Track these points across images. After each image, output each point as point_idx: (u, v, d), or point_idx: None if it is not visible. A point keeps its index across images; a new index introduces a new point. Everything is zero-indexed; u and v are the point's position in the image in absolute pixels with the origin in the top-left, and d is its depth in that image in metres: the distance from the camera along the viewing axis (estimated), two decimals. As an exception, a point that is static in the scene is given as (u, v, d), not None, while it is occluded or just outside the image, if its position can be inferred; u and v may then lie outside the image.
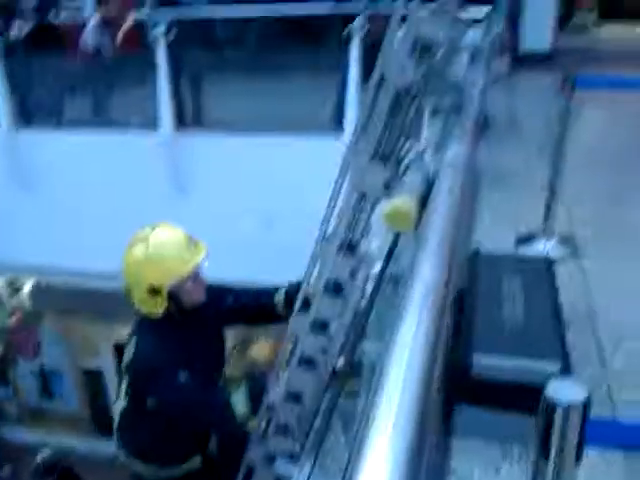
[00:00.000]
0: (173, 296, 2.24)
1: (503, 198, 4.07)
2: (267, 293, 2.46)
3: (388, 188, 1.40)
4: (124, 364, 2.38)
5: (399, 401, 0.53)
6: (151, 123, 5.53)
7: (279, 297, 2.39)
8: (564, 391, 1.02)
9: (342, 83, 5.34)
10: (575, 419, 1.01)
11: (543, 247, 3.40)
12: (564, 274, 3.06)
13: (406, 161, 1.16)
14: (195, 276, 2.27)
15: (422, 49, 1.43)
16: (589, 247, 3.40)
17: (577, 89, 3.10)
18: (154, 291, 2.21)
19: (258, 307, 2.50)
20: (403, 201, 0.97)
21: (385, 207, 1.01)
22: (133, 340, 2.35)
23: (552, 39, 8.37)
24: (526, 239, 3.51)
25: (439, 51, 1.42)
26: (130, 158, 5.25)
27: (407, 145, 1.26)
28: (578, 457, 1.08)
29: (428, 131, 1.30)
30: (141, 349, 2.32)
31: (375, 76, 1.51)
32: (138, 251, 2.22)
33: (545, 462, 1.08)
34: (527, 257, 3.32)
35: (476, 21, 3.86)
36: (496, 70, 5.52)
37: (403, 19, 1.49)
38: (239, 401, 2.90)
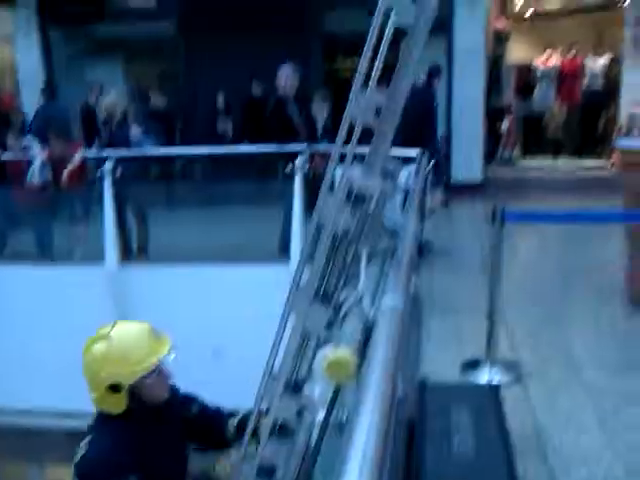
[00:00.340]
0: (134, 392, 2.14)
1: (447, 326, 4.18)
2: (222, 416, 2.39)
3: (330, 329, 1.45)
4: (73, 463, 2.20)
5: None
6: (97, 256, 5.54)
7: (232, 424, 2.33)
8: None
9: (287, 214, 5.54)
10: None
11: (488, 373, 3.45)
12: (510, 400, 3.11)
13: (345, 307, 1.21)
14: (158, 370, 2.19)
15: (357, 197, 1.54)
16: (532, 372, 3.48)
17: (506, 222, 3.33)
18: (114, 389, 2.11)
19: (214, 426, 2.41)
20: (342, 353, 1.01)
21: (325, 358, 1.04)
22: (87, 438, 2.20)
23: (482, 171, 9.00)
24: (471, 365, 3.57)
25: (373, 199, 1.52)
26: (75, 292, 5.20)
27: (346, 290, 1.32)
28: None
29: (365, 276, 1.37)
30: (91, 450, 2.17)
31: (314, 221, 1.59)
32: (97, 348, 2.16)
33: None
34: (473, 385, 3.37)
35: (409, 159, 4.18)
36: (431, 202, 5.89)
37: (342, 159, 1.62)
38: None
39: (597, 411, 3.05)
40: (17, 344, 5.19)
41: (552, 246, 5.80)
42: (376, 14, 1.51)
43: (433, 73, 7.09)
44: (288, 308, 1.64)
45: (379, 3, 1.50)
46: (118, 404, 2.14)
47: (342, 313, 1.20)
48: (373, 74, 1.61)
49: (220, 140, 8.61)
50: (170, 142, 8.15)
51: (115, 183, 5.47)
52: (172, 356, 2.22)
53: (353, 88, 1.54)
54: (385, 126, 1.55)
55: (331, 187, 1.61)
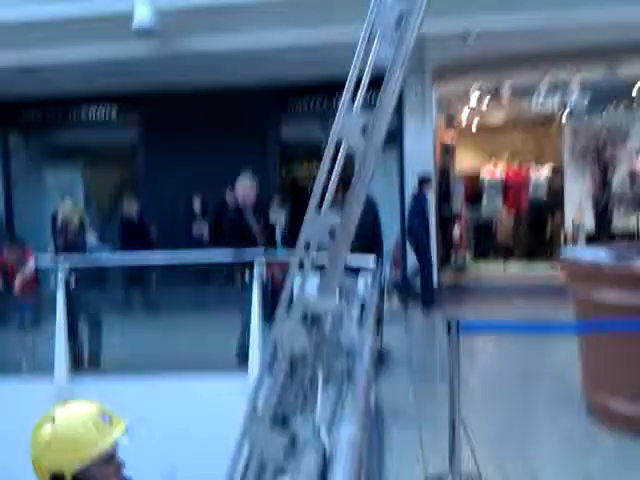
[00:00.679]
0: None
1: (409, 438, 4.10)
2: None
3: (287, 458, 1.41)
4: None
5: None
6: (47, 367, 5.33)
7: None
8: None
9: (245, 322, 5.49)
10: None
11: (451, 489, 3.35)
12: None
13: (302, 439, 1.18)
14: (107, 458, 2.02)
15: (312, 318, 1.55)
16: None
17: (461, 332, 3.36)
18: (57, 478, 1.94)
19: None
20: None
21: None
22: None
23: (436, 276, 9.18)
24: (435, 480, 3.47)
25: (328, 320, 1.53)
26: (23, 406, 4.93)
27: (303, 416, 1.30)
28: None
29: (322, 400, 1.35)
30: None
31: (271, 342, 1.58)
32: (42, 433, 1.99)
33: None
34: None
35: (365, 269, 4.25)
36: (389, 309, 5.96)
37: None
38: None
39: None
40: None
41: (509, 352, 5.85)
42: (329, 140, 1.59)
43: (423, 182, 8.18)
44: (244, 434, 1.59)
45: (332, 129, 1.58)
46: None
47: (299, 445, 1.17)
48: (327, 195, 1.67)
49: (197, 243, 8.58)
50: (145, 247, 8.07)
51: (69, 291, 5.36)
52: (125, 440, 2.06)
53: (308, 210, 1.59)
54: (339, 246, 1.59)
55: (290, 301, 1.62)
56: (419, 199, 8.24)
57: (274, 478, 1.46)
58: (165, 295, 7.55)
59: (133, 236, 8.60)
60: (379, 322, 5.51)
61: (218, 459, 1.72)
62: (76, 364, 5.55)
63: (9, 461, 4.70)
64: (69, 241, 6.67)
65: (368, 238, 5.70)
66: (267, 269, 5.25)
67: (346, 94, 1.59)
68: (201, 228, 9.02)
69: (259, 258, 5.24)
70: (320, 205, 1.64)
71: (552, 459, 3.75)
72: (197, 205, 9.34)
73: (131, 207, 8.99)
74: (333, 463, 1.06)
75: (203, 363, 5.54)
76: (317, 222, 1.58)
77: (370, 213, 6.17)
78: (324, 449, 1.13)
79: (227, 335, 5.93)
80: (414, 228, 8.21)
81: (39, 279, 6.35)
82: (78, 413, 2.05)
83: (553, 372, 5.49)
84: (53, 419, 2.03)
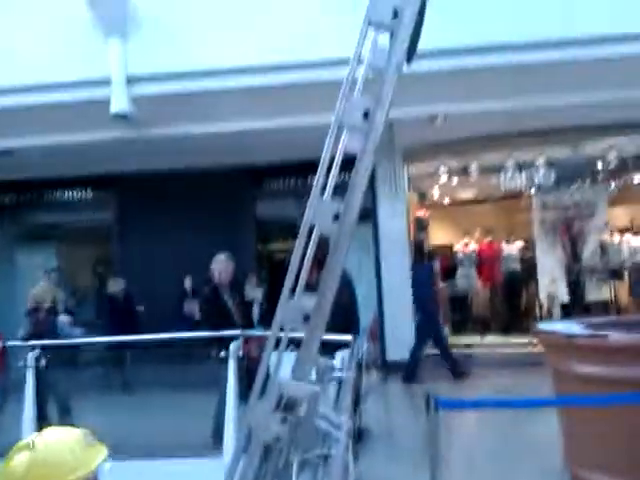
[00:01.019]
0: None
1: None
2: None
3: None
4: None
5: None
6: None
7: None
8: None
9: (221, 400, 5.37)
10: None
11: None
12: None
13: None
14: None
15: (287, 403, 1.55)
16: None
17: (440, 408, 3.35)
18: None
19: None
20: None
21: None
22: None
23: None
24: None
25: (303, 404, 1.53)
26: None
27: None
28: None
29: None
30: None
31: (244, 425, 1.58)
32: (18, 459, 1.83)
33: None
34: None
35: (343, 345, 4.23)
36: (366, 385, 5.89)
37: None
38: None
39: None
40: None
41: (489, 426, 5.79)
42: (302, 226, 1.64)
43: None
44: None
45: (305, 216, 1.64)
46: None
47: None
48: (301, 279, 1.71)
49: (188, 322, 8.48)
50: (131, 326, 7.95)
51: (39, 372, 5.22)
52: (108, 466, 1.95)
53: (282, 294, 1.63)
54: (314, 328, 1.62)
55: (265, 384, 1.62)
56: (427, 269, 8.45)
57: None
58: (140, 375, 7.40)
59: (118, 315, 8.51)
60: (357, 399, 5.45)
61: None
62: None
63: None
64: (40, 322, 6.54)
65: (344, 315, 5.71)
66: (244, 346, 5.19)
67: (317, 182, 1.66)
68: (192, 307, 8.92)
69: (236, 337, 5.18)
70: (294, 288, 1.68)
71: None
72: (188, 284, 9.30)
73: (116, 286, 8.91)
74: None
75: (178, 444, 5.37)
76: (291, 307, 1.61)
77: (346, 289, 6.20)
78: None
79: (202, 415, 5.79)
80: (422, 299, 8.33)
81: (7, 361, 6.19)
82: (59, 437, 1.92)
83: (534, 445, 5.44)
84: (32, 444, 1.87)
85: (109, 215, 10.39)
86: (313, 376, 1.94)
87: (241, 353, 5.12)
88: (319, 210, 1.61)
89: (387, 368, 8.25)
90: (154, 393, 7.20)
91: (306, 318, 1.60)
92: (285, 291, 1.63)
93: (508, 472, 4.84)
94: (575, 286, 9.94)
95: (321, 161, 1.70)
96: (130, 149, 8.32)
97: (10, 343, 6.11)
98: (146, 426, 6.04)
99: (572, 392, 4.21)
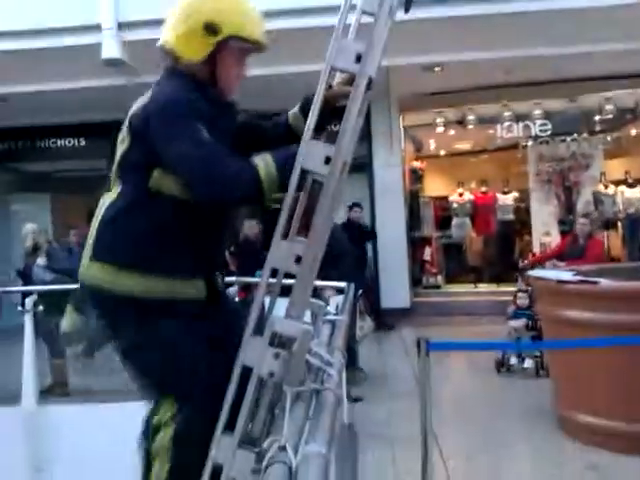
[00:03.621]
0: (215, 55, 1.87)
1: (383, 457, 4.15)
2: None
3: (256, 474, 1.46)
4: (129, 118, 1.89)
5: None
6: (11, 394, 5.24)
7: (293, 112, 2.00)
8: None
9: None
10: None
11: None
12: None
13: (268, 456, 1.23)
14: (244, 56, 1.95)
15: (281, 340, 1.61)
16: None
17: (430, 350, 3.44)
18: (209, 29, 1.82)
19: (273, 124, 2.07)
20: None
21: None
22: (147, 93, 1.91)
23: (409, 297, 9.32)
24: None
25: (296, 341, 1.59)
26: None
27: (270, 438, 1.34)
28: None
29: (290, 420, 1.40)
30: (156, 93, 1.87)
31: (239, 363, 1.64)
32: None
33: None
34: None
35: (339, 290, 4.30)
36: (362, 329, 6.02)
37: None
38: None
39: None
40: None
41: (481, 371, 5.96)
42: (293, 172, 1.66)
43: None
44: (213, 453, 1.63)
45: (296, 163, 1.66)
46: (200, 50, 1.85)
47: (265, 463, 1.22)
48: (293, 224, 1.74)
49: None
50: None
51: (36, 317, 5.29)
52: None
53: (274, 237, 1.66)
54: (306, 271, 1.66)
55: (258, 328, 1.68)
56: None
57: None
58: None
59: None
60: (351, 344, 5.57)
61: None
62: (44, 391, 5.45)
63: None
64: (26, 265, 6.60)
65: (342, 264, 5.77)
66: (239, 294, 5.27)
67: (310, 122, 1.67)
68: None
69: (231, 284, 5.25)
70: (287, 234, 1.71)
71: (524, 472, 3.83)
72: None
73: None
74: (297, 476, 1.11)
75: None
76: (283, 249, 1.65)
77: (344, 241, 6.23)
78: (290, 466, 1.18)
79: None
80: None
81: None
82: None
83: (522, 387, 5.62)
84: None
85: (103, 164, 10.32)
86: (307, 318, 2.00)
87: (237, 299, 5.19)
88: (310, 153, 1.63)
89: (381, 315, 8.38)
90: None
91: (298, 260, 1.64)
92: (277, 234, 1.66)
93: (496, 413, 5.01)
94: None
95: (313, 105, 1.70)
96: (123, 96, 8.19)
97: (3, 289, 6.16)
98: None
99: (561, 337, 4.33)
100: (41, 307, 5.15)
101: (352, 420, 4.69)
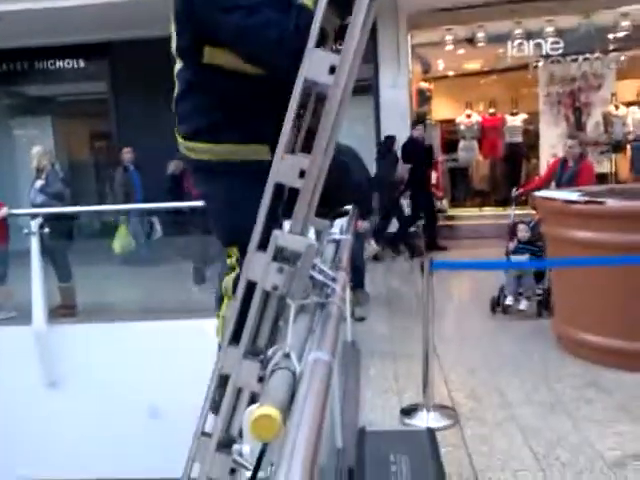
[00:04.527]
0: None
1: (386, 373, 4.26)
2: None
3: (262, 383, 1.49)
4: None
5: None
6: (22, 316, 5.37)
7: None
8: None
9: (223, 266, 5.53)
10: None
11: (425, 419, 3.51)
12: (447, 444, 3.18)
13: (272, 363, 1.25)
14: None
15: (284, 256, 1.60)
16: (468, 415, 3.57)
17: (434, 271, 3.48)
18: None
19: None
20: (266, 410, 1.04)
21: (250, 416, 1.07)
22: None
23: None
24: (409, 411, 3.63)
25: (300, 256, 1.59)
26: (1, 351, 5.00)
27: (274, 346, 1.36)
28: None
29: (294, 331, 1.42)
30: None
31: (243, 276, 1.64)
32: None
33: None
34: (411, 430, 3.42)
35: (342, 214, 4.30)
36: (367, 252, 6.07)
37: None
38: None
39: (532, 450, 3.15)
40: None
41: (483, 291, 6.03)
42: (297, 82, 1.61)
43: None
44: (219, 364, 1.66)
45: (299, 72, 1.60)
46: None
47: (269, 369, 1.24)
48: (298, 138, 1.70)
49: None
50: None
51: (42, 240, 5.34)
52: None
53: (276, 154, 1.63)
54: (310, 186, 1.63)
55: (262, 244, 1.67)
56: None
57: (249, 405, 1.54)
58: (140, 245, 7.55)
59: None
60: (358, 265, 5.62)
61: (198, 394, 1.79)
62: (53, 312, 5.57)
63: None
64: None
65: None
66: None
67: (313, 31, 1.60)
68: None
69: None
70: (292, 149, 1.68)
71: (522, 386, 3.93)
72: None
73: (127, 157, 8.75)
74: (301, 382, 1.13)
75: (181, 307, 5.63)
76: (286, 163, 1.62)
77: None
78: (294, 371, 1.19)
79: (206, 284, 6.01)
80: None
81: (8, 231, 6.30)
82: None
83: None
84: None
85: (103, 86, 10.12)
86: (312, 235, 2.00)
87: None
88: (314, 61, 1.57)
89: (386, 239, 8.42)
90: (157, 263, 7.40)
91: (302, 174, 1.61)
92: (280, 148, 1.63)
93: (498, 332, 5.11)
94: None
95: (317, 12, 1.63)
96: (121, 15, 7.95)
97: (12, 211, 6.17)
98: (149, 293, 6.29)
99: (564, 256, 4.35)
100: (47, 229, 5.18)
101: (355, 338, 4.83)
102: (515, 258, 5.57)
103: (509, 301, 5.47)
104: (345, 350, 4.27)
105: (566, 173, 6.54)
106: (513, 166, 10.77)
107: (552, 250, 4.71)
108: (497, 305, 5.54)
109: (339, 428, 3.01)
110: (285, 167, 1.61)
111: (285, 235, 1.57)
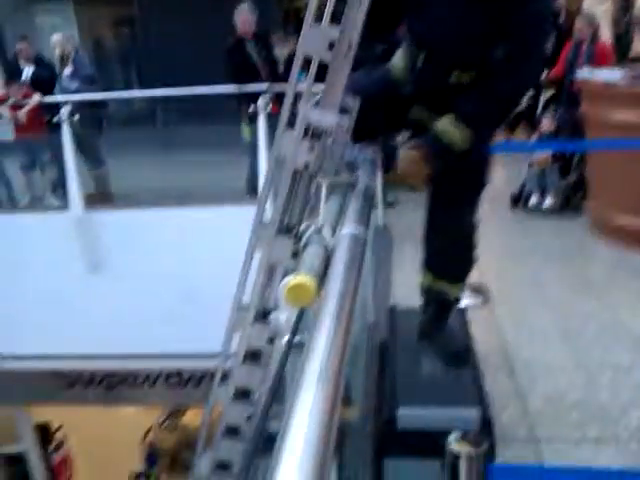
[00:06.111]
0: None
1: (418, 254, 4.29)
2: None
3: (295, 259, 1.52)
4: None
5: (300, 457, 0.61)
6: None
7: None
8: (465, 441, 1.13)
9: (253, 156, 5.52)
10: (476, 468, 1.11)
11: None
12: (478, 321, 3.26)
13: (306, 237, 1.26)
14: None
15: (314, 133, 1.58)
16: (499, 294, 3.63)
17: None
18: None
19: None
20: (301, 278, 1.06)
21: (285, 284, 1.10)
22: None
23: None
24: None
25: (330, 133, 1.56)
26: (41, 240, 5.15)
27: (307, 222, 1.37)
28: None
29: (326, 208, 1.42)
30: None
31: (273, 156, 1.63)
32: None
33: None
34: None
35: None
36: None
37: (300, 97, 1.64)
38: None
39: (561, 328, 3.22)
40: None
41: (516, 174, 5.92)
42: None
43: None
44: (253, 242, 1.69)
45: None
46: None
47: (303, 243, 1.26)
48: (327, 8, 1.62)
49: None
50: None
51: (73, 126, 5.33)
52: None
53: (304, 22, 1.55)
54: (340, 60, 1.57)
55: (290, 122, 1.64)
56: None
57: (282, 279, 1.58)
58: (170, 132, 7.52)
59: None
60: (390, 149, 5.51)
61: (234, 280, 1.84)
62: (89, 199, 5.66)
63: (36, 291, 5.05)
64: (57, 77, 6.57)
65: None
66: (273, 101, 5.14)
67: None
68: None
69: (264, 90, 5.13)
70: (320, 18, 1.59)
71: (553, 268, 3.96)
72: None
73: None
74: (334, 255, 1.15)
75: (213, 196, 5.67)
76: (315, 35, 1.55)
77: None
78: (326, 246, 1.21)
79: (236, 170, 6.01)
80: None
81: (43, 116, 6.30)
82: None
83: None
84: None
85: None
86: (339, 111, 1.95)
87: (270, 109, 5.09)
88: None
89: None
90: (186, 151, 7.39)
91: (331, 45, 1.54)
92: (308, 17, 1.55)
93: (525, 221, 5.06)
94: (621, 38, 9.28)
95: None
96: None
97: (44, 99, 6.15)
98: (181, 181, 6.34)
99: (604, 138, 4.22)
100: (77, 117, 5.16)
101: (386, 222, 4.85)
102: (536, 155, 5.32)
103: (534, 198, 5.29)
104: (376, 234, 4.30)
105: (581, 55, 6.08)
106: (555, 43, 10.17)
107: (592, 133, 4.55)
108: (518, 201, 5.39)
109: (371, 305, 3.10)
110: (313, 38, 1.54)
111: (315, 111, 1.54)
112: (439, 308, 2.38)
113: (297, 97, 1.68)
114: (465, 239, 2.24)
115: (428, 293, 2.38)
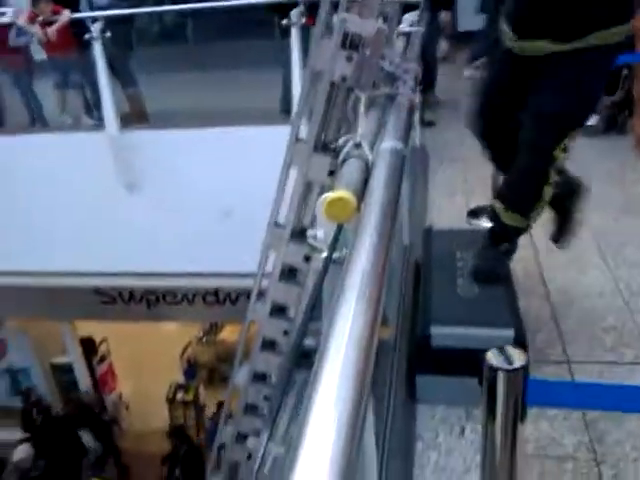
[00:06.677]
0: None
1: (454, 176, 4.22)
2: None
3: (332, 175, 1.48)
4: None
5: (340, 373, 0.59)
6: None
7: None
8: (503, 358, 1.11)
9: (287, 73, 5.36)
10: (514, 383, 1.10)
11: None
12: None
13: (344, 152, 1.22)
14: None
15: (352, 42, 1.50)
16: (536, 217, 3.54)
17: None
18: None
19: None
20: (341, 192, 1.03)
21: (324, 198, 1.07)
22: None
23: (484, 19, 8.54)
24: (477, 213, 3.63)
25: (370, 44, 1.48)
26: (78, 159, 5.18)
27: (345, 137, 1.32)
28: (522, 417, 1.17)
29: (364, 122, 1.36)
30: None
31: (309, 69, 1.56)
32: None
33: (493, 422, 1.17)
34: (477, 230, 3.44)
35: (412, 6, 3.96)
36: (439, 50, 5.69)
37: (335, 7, 1.55)
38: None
39: (600, 250, 3.15)
40: (22, 213, 5.24)
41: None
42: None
43: None
44: (289, 159, 1.65)
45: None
46: None
47: (341, 158, 1.22)
48: None
49: None
50: None
51: (104, 45, 5.22)
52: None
53: None
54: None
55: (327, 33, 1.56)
56: None
57: (319, 196, 1.55)
58: (202, 49, 7.34)
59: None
60: (428, 62, 5.30)
61: (270, 200, 1.81)
62: (124, 118, 5.61)
63: (73, 209, 5.13)
64: None
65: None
66: (308, 12, 4.91)
67: None
68: None
69: (297, 3, 4.90)
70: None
71: (596, 189, 3.83)
72: None
73: None
74: (374, 170, 1.11)
75: (247, 117, 5.57)
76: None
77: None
78: (366, 160, 1.17)
79: (269, 88, 5.87)
80: None
81: (73, 32, 6.18)
82: None
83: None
84: None
85: None
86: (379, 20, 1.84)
87: (304, 20, 4.87)
88: None
89: (458, 38, 7.84)
90: (217, 68, 7.23)
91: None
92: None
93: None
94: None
95: None
96: None
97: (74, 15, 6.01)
98: (215, 100, 6.23)
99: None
100: (109, 34, 5.04)
101: (424, 142, 4.73)
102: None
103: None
104: (414, 154, 4.20)
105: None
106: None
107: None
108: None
109: (406, 225, 3.07)
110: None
111: (353, 18, 1.45)
112: (493, 230, 2.49)
113: (334, 7, 1.60)
114: (533, 174, 2.27)
115: (492, 213, 2.49)
